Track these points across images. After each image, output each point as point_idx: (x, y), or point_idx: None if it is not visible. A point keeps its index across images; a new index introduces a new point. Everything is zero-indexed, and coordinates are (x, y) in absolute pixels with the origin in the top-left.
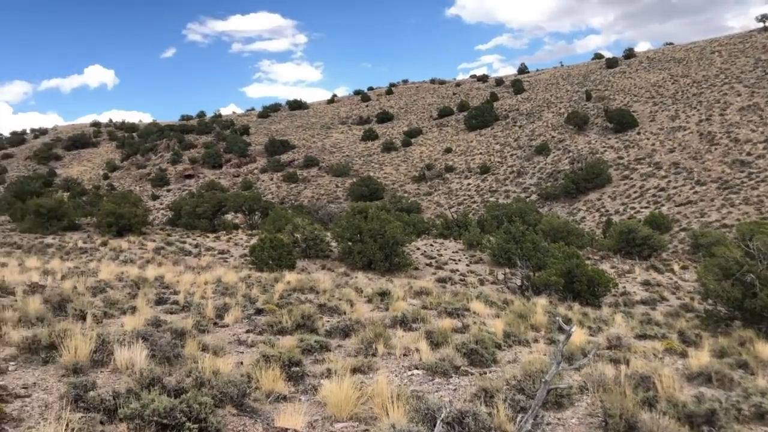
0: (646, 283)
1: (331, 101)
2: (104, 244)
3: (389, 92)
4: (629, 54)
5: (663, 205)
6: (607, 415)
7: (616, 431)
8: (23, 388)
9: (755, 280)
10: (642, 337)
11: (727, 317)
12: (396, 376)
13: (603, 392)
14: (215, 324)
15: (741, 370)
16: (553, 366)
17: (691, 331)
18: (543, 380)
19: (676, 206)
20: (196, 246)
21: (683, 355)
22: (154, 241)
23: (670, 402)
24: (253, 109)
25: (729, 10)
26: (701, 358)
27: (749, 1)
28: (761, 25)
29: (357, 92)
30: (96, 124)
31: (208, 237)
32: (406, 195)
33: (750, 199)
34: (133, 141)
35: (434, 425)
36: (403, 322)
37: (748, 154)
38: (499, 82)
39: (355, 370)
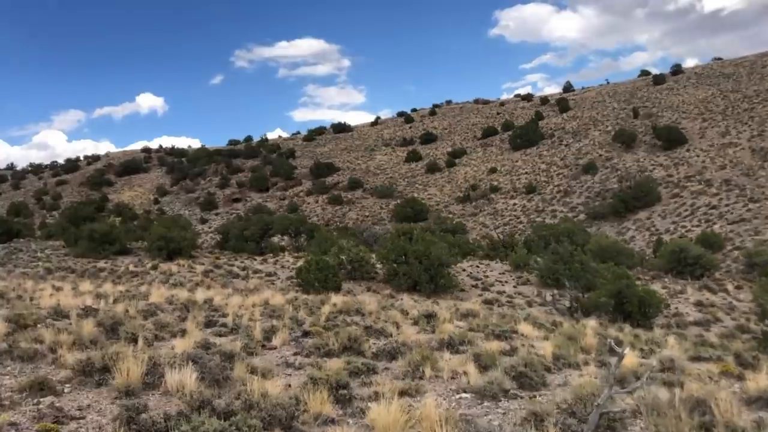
0: (699, 304)
1: (374, 123)
2: (154, 267)
3: (432, 113)
4: (677, 70)
5: (715, 223)
6: None
7: None
8: (78, 410)
9: None
10: (696, 359)
11: None
12: (444, 399)
13: (657, 416)
14: (263, 346)
15: None
16: (606, 389)
17: (747, 353)
18: (595, 404)
19: (728, 224)
20: (244, 269)
21: (740, 377)
22: (203, 264)
23: (728, 427)
24: (298, 132)
25: None
26: (760, 381)
27: None
28: None
29: (400, 114)
30: (146, 150)
31: (255, 260)
32: (450, 216)
33: None
34: (183, 166)
35: None
36: (450, 345)
37: None
38: (544, 100)
39: (402, 393)
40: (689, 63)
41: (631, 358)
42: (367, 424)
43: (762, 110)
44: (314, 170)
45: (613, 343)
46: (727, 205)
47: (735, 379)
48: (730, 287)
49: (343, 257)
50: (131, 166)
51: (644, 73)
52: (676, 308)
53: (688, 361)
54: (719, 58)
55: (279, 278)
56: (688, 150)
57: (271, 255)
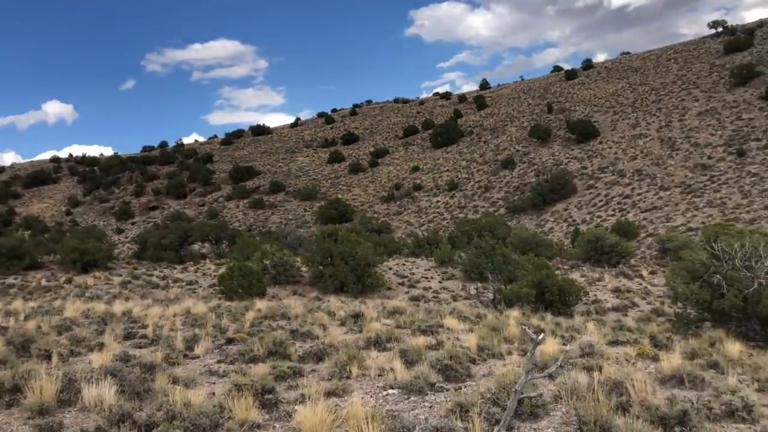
0: (616, 290)
1: (294, 125)
2: (69, 281)
3: (353, 113)
4: (587, 65)
5: (629, 212)
6: (582, 422)
7: None
8: None
9: (722, 281)
10: (614, 343)
11: (697, 319)
12: (371, 397)
13: (577, 400)
14: (185, 356)
15: (712, 371)
16: (523, 375)
17: (662, 334)
18: (514, 390)
19: (641, 212)
20: (164, 278)
21: (655, 359)
22: (121, 275)
23: (643, 405)
24: (215, 136)
25: (681, 17)
26: (673, 360)
27: (700, 9)
28: (713, 31)
29: (321, 114)
30: (56, 160)
31: (175, 268)
32: (375, 216)
33: (713, 202)
34: (95, 175)
35: None
36: (377, 343)
37: (709, 157)
38: (462, 98)
39: (329, 394)
40: (599, 58)
41: (552, 346)
42: (293, 427)
43: (669, 101)
44: (233, 174)
45: (529, 331)
46: (639, 194)
47: (650, 360)
48: (645, 273)
49: (267, 262)
50: (40, 177)
51: (557, 69)
52: (595, 295)
53: (606, 345)
54: (627, 53)
55: (201, 286)
56: (600, 142)
57: (192, 263)
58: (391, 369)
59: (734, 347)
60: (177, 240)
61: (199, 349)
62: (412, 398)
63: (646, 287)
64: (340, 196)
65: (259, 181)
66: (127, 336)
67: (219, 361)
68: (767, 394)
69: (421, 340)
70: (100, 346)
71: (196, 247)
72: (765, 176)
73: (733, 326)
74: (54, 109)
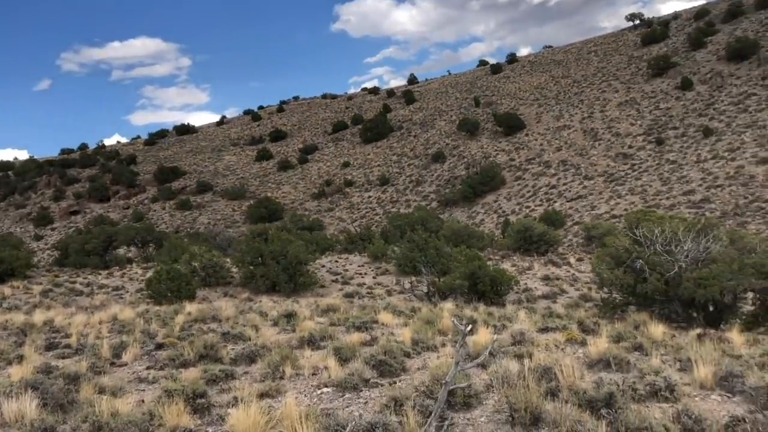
0: (545, 278)
1: (220, 123)
2: None
3: (280, 110)
4: (512, 59)
5: (555, 201)
6: (513, 410)
7: (523, 424)
8: None
9: (644, 265)
10: (544, 330)
11: (622, 303)
12: (305, 396)
13: (508, 387)
14: (112, 364)
15: (637, 353)
16: (453, 367)
17: (589, 320)
18: (444, 381)
19: (567, 201)
20: (88, 285)
21: (583, 343)
22: (41, 283)
23: (571, 390)
24: (138, 137)
25: (600, 11)
26: (600, 344)
27: (618, 2)
28: (631, 24)
29: (247, 112)
30: None
31: (100, 274)
32: (306, 213)
33: (635, 189)
34: (10, 180)
35: None
36: (311, 342)
37: (630, 146)
38: (391, 93)
39: (262, 395)
40: (523, 51)
41: (484, 335)
42: (226, 431)
43: (590, 93)
44: (158, 175)
45: (457, 323)
46: (565, 184)
47: (579, 345)
48: (572, 260)
49: (196, 264)
50: None
51: (482, 63)
52: (526, 284)
53: (537, 332)
54: (550, 46)
55: (128, 291)
56: (527, 135)
57: (118, 268)
58: (325, 367)
59: (657, 329)
60: (101, 245)
61: (127, 356)
62: (347, 395)
63: (573, 274)
64: (269, 194)
65: (186, 181)
66: (49, 346)
67: (148, 368)
68: (689, 374)
69: (355, 337)
70: (20, 359)
71: (121, 251)
72: (683, 163)
73: (656, 309)
74: None
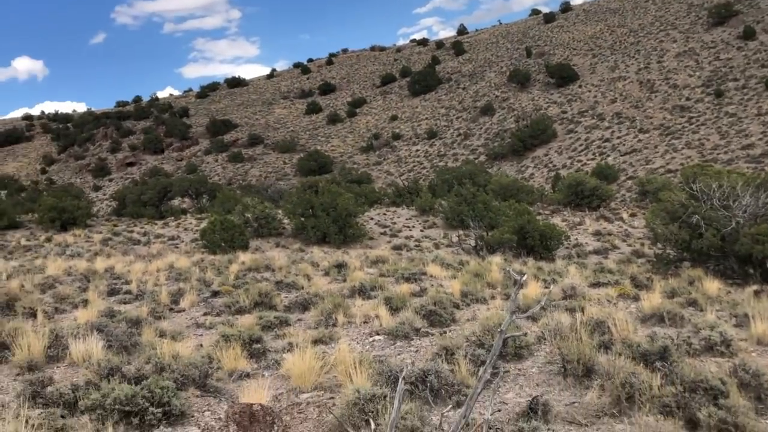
0: (597, 234)
1: (270, 76)
2: (49, 240)
3: (329, 63)
4: (566, 7)
5: (608, 155)
6: (565, 361)
7: (575, 375)
8: None
9: (700, 221)
10: (596, 285)
11: (677, 259)
12: (358, 343)
13: (560, 340)
14: (171, 310)
15: (691, 308)
16: (508, 316)
17: (642, 275)
18: (498, 330)
19: (621, 155)
20: (145, 234)
21: (636, 298)
22: (101, 232)
23: (625, 343)
24: (190, 90)
25: None
26: (653, 300)
27: None
28: None
29: (297, 65)
30: (28, 118)
31: (156, 224)
32: (355, 166)
33: (692, 143)
34: (69, 132)
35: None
36: (362, 291)
37: (687, 99)
38: (440, 44)
39: (316, 342)
40: (577, 0)
41: (535, 289)
42: (282, 375)
43: (647, 43)
44: (211, 128)
45: (512, 272)
46: (619, 138)
47: (631, 300)
48: (625, 215)
49: (249, 215)
50: (13, 136)
51: (535, 12)
52: (576, 239)
53: (588, 287)
54: None
55: (183, 241)
56: (580, 86)
57: (173, 218)
58: (377, 316)
59: (713, 285)
60: (156, 196)
61: (184, 303)
62: (398, 343)
63: (626, 230)
64: (318, 147)
65: (237, 134)
66: (111, 292)
67: (205, 314)
68: (745, 329)
69: (405, 288)
70: (85, 303)
71: (176, 202)
72: (742, 116)
73: (711, 265)
74: (24, 65)
